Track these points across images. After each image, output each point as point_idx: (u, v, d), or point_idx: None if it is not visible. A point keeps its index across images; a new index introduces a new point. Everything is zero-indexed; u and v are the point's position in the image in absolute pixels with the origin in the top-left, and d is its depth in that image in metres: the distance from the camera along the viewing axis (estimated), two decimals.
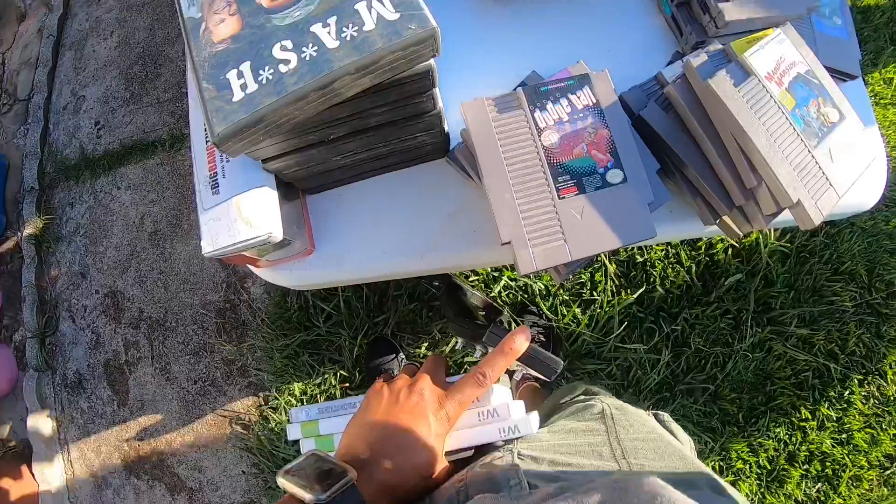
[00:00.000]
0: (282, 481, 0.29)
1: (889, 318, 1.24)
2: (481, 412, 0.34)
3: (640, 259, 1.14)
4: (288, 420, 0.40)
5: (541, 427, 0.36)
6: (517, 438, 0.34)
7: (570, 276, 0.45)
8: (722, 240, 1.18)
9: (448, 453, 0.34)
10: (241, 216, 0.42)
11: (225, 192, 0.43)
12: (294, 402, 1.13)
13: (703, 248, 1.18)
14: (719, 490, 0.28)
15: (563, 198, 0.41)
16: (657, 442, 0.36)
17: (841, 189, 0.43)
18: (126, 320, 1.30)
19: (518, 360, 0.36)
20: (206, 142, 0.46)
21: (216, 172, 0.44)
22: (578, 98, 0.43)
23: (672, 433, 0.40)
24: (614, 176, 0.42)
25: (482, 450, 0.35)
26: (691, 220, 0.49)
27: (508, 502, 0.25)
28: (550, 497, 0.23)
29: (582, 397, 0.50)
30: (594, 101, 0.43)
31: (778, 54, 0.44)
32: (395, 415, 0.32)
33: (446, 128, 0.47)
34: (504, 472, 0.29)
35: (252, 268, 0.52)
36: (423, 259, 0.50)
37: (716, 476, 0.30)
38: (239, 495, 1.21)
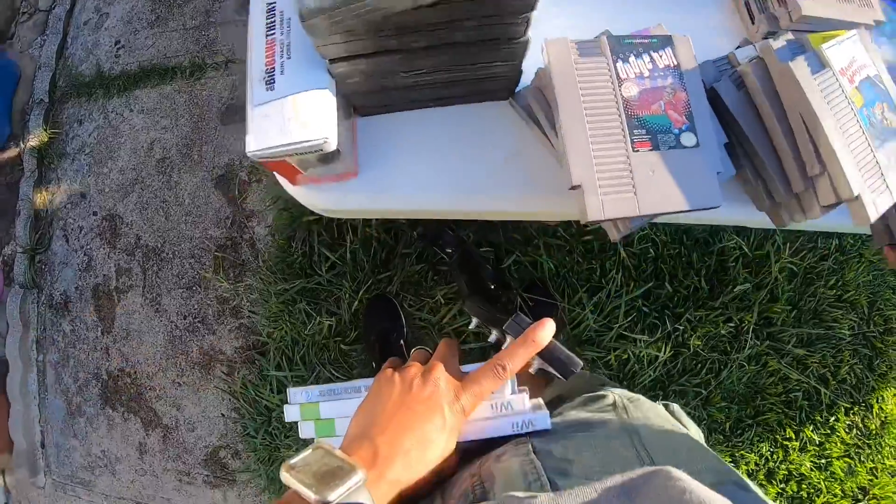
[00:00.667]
0: (285, 476, 0.27)
1: (883, 352, 1.26)
2: (495, 404, 0.33)
3: (652, 254, 1.13)
4: (285, 400, 0.38)
5: (551, 418, 0.35)
6: (529, 434, 0.33)
7: (626, 234, 0.44)
8: (735, 247, 1.18)
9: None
10: (297, 116, 0.39)
11: (281, 90, 0.40)
12: (285, 348, 1.10)
13: (715, 253, 1.18)
14: (744, 486, 0.27)
15: (638, 151, 0.41)
16: (672, 433, 0.35)
17: None
18: (121, 246, 1.27)
19: (538, 353, 0.34)
20: (267, 35, 0.43)
21: (273, 68, 0.41)
22: (660, 57, 0.43)
23: (683, 424, 0.40)
24: (688, 139, 0.42)
25: (491, 442, 0.33)
26: (742, 205, 0.49)
27: (529, 500, 0.23)
28: (571, 493, 0.22)
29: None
30: (675, 62, 0.44)
31: (851, 53, 0.45)
32: (408, 405, 0.31)
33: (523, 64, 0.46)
34: (522, 467, 0.28)
35: (286, 184, 0.50)
36: (471, 199, 0.49)
37: (737, 471, 0.29)
38: (215, 438, 1.19)
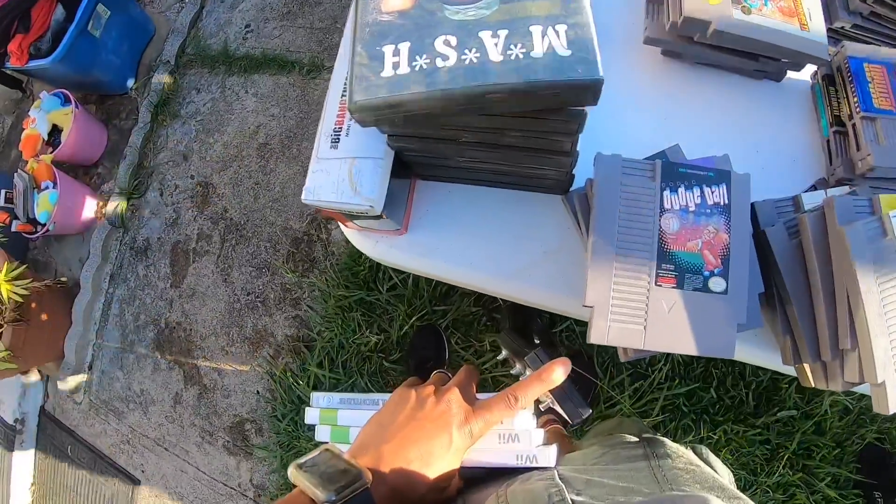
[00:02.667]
0: (293, 474, 0.28)
1: None
2: (502, 434, 0.34)
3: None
4: (308, 403, 0.40)
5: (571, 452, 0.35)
6: (534, 469, 0.33)
7: (633, 359, 0.45)
8: None
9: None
10: (350, 179, 0.42)
11: (343, 150, 0.43)
12: (331, 349, 1.16)
13: (770, 370, 1.14)
14: None
15: (660, 286, 0.40)
16: (699, 473, 0.34)
17: None
18: (208, 213, 1.37)
19: (551, 391, 0.35)
20: (342, 96, 0.46)
21: (341, 128, 0.44)
22: (712, 193, 0.42)
23: (712, 466, 0.39)
24: (716, 284, 0.40)
25: (496, 473, 0.34)
26: (772, 351, 0.48)
27: None
28: None
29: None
30: (726, 201, 0.42)
31: None
32: (418, 421, 0.32)
33: (574, 170, 0.46)
34: (547, 489, 0.29)
35: (341, 224, 0.53)
36: (506, 283, 0.50)
37: None
38: (245, 410, 1.26)
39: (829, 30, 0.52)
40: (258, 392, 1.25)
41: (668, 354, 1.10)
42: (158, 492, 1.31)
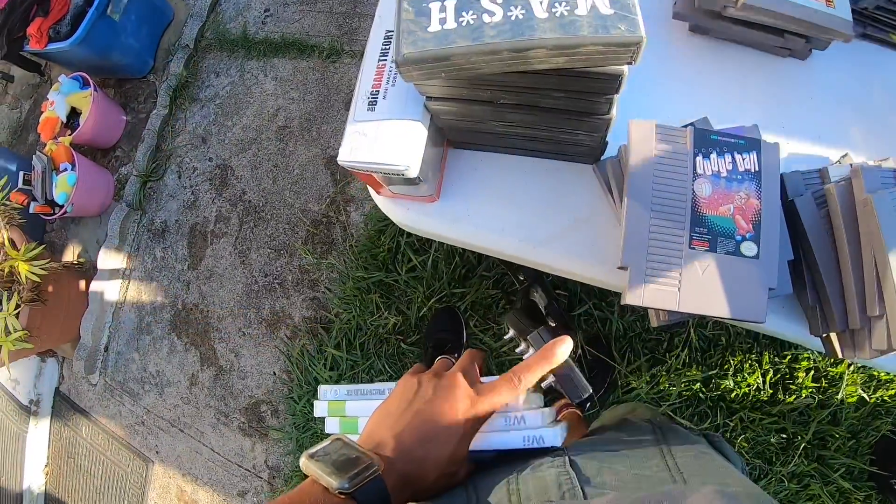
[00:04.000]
0: (305, 463, 0.29)
1: None
2: (509, 417, 0.34)
3: (723, 342, 1.12)
4: (316, 396, 0.41)
5: (585, 437, 0.35)
6: (541, 448, 0.33)
7: (666, 324, 0.44)
8: (808, 357, 1.14)
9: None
10: (388, 141, 0.42)
11: (380, 113, 0.43)
12: (348, 330, 1.16)
13: (788, 359, 1.14)
14: None
15: (694, 248, 0.40)
16: (709, 459, 0.35)
17: None
18: (227, 195, 1.37)
19: (553, 370, 0.35)
20: (380, 60, 0.46)
21: (378, 90, 0.44)
22: (743, 160, 0.43)
23: (723, 454, 0.39)
24: (748, 248, 0.41)
25: (505, 456, 0.34)
26: (798, 324, 0.48)
27: None
28: None
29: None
30: (757, 168, 0.43)
31: None
32: (424, 407, 0.32)
33: (608, 137, 0.46)
34: (558, 477, 0.29)
35: (372, 192, 0.53)
36: (535, 250, 0.51)
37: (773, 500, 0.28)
38: (261, 392, 1.27)
39: (853, 10, 0.52)
40: (274, 373, 1.26)
41: (688, 338, 1.10)
42: (173, 472, 1.32)
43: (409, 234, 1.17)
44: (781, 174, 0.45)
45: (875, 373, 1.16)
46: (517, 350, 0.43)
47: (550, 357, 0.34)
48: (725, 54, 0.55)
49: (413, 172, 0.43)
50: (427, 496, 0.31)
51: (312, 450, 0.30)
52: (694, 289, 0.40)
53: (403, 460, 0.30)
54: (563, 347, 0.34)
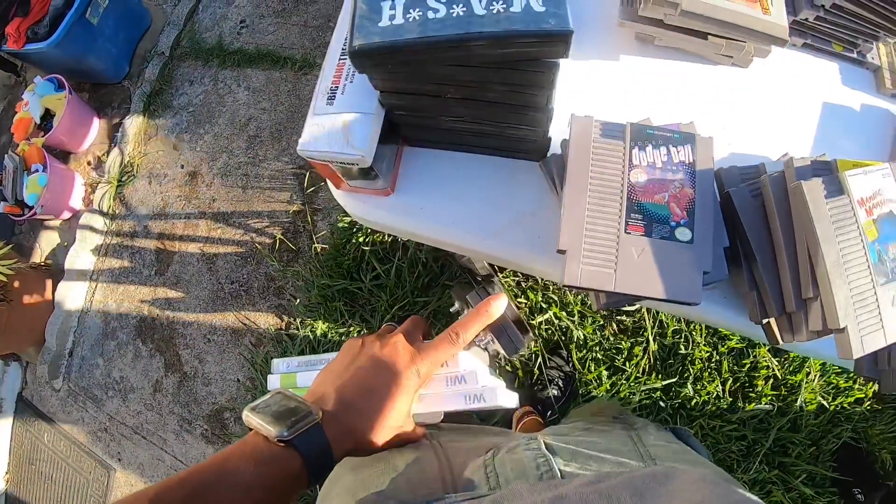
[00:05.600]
0: (246, 415, 0.29)
1: None
2: (449, 377, 0.35)
3: (683, 350, 1.13)
4: (269, 370, 0.42)
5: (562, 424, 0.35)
6: (482, 407, 0.34)
7: (606, 310, 0.46)
8: (766, 366, 1.16)
9: (415, 416, 0.34)
10: (343, 132, 0.45)
11: (338, 107, 0.46)
12: (312, 338, 1.16)
13: (747, 367, 1.16)
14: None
15: (629, 233, 0.43)
16: (680, 451, 0.36)
17: (890, 337, 0.42)
18: (196, 202, 1.38)
19: (489, 327, 0.37)
20: (340, 59, 0.50)
21: (337, 87, 0.48)
22: (678, 152, 0.45)
23: (690, 446, 0.40)
24: (682, 234, 0.43)
25: (455, 416, 0.35)
26: (738, 313, 0.50)
27: (545, 490, 0.24)
28: (589, 483, 0.24)
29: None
30: (691, 160, 0.45)
31: (878, 186, 0.45)
32: (365, 363, 0.33)
33: (549, 134, 0.49)
34: (534, 459, 0.30)
35: (332, 187, 0.56)
36: (484, 242, 0.53)
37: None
38: (225, 399, 1.26)
39: (793, 21, 0.54)
40: (238, 380, 1.25)
41: (647, 347, 1.11)
42: (134, 480, 1.30)
43: (374, 244, 1.17)
44: (719, 169, 0.48)
45: (834, 380, 1.18)
46: (451, 310, 0.45)
47: (486, 312, 0.35)
48: (670, 61, 0.58)
49: (367, 162, 0.45)
50: (373, 450, 0.32)
51: (254, 403, 0.30)
52: (630, 271, 0.42)
53: (344, 412, 0.31)
54: (498, 302, 0.36)
